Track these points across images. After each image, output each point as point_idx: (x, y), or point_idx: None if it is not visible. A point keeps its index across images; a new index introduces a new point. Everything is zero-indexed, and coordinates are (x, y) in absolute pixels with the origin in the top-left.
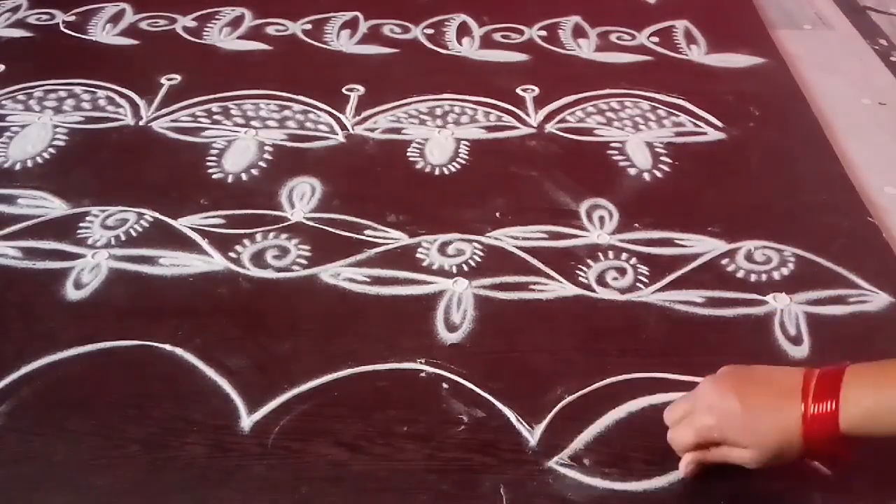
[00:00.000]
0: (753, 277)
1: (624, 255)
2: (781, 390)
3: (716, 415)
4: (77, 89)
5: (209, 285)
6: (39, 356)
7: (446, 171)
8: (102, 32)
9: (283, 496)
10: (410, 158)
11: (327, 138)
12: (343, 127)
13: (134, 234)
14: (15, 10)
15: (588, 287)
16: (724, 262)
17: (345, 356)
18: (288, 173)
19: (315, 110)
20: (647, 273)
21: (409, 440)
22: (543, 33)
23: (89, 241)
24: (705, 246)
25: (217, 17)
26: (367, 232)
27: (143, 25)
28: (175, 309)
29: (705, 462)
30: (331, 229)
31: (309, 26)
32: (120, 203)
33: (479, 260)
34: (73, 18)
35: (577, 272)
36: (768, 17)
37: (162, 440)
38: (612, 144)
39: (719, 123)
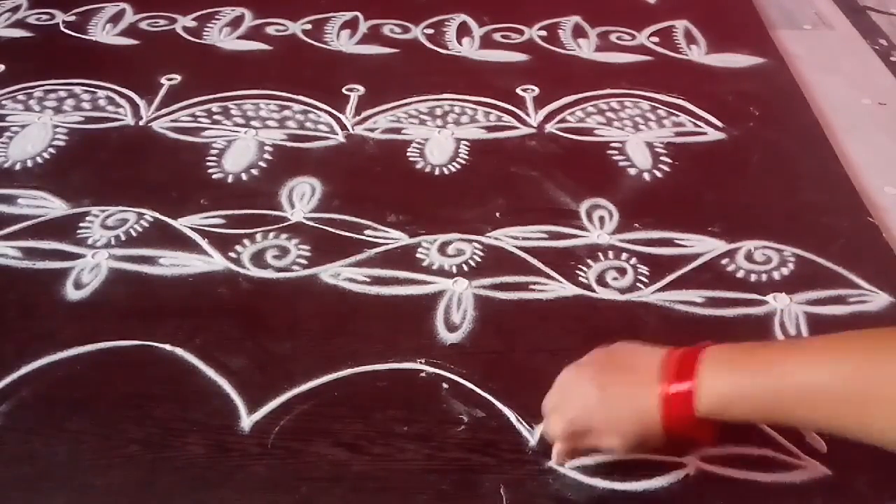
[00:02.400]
0: (753, 277)
1: (624, 255)
2: (640, 374)
3: (577, 405)
4: (77, 89)
5: (209, 285)
6: (39, 356)
7: (446, 171)
8: (102, 32)
9: (283, 496)
10: (410, 158)
11: (327, 138)
12: (343, 127)
13: (134, 234)
14: (15, 10)
15: (588, 287)
16: (724, 262)
17: (345, 356)
18: (288, 173)
19: (315, 110)
20: (647, 273)
21: (409, 440)
22: (543, 33)
23: (89, 241)
24: (705, 246)
25: (217, 17)
26: (367, 232)
27: (143, 25)
28: (175, 309)
29: (576, 453)
30: (331, 229)
31: (309, 26)
32: (120, 203)
33: (478, 260)
34: (73, 18)
35: (577, 272)
36: (768, 17)
37: (162, 440)
38: (612, 144)
39: (719, 123)
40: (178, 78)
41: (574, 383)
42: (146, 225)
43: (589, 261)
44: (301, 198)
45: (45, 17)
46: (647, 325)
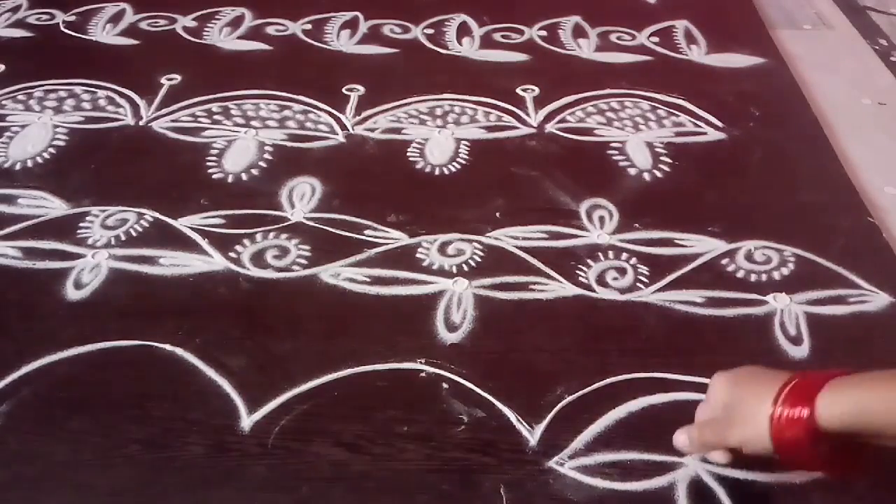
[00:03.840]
0: (753, 277)
1: (624, 255)
2: (770, 378)
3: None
4: (77, 89)
5: (209, 285)
6: (39, 356)
7: (446, 171)
8: (102, 32)
9: (283, 496)
10: (410, 158)
11: (327, 138)
12: (343, 127)
13: (134, 234)
14: (15, 10)
15: (588, 287)
16: (724, 262)
17: (345, 356)
18: (288, 173)
19: (315, 110)
20: (647, 273)
21: (409, 440)
22: (543, 33)
23: (89, 241)
24: (705, 246)
25: (217, 17)
26: (367, 232)
27: (143, 25)
28: (175, 309)
29: (708, 446)
30: (331, 229)
31: (309, 26)
32: (120, 203)
33: (479, 260)
34: (73, 18)
35: (577, 272)
36: (768, 17)
37: (162, 440)
38: (612, 144)
39: (719, 123)
40: (178, 78)
41: (715, 381)
42: (146, 225)
43: (589, 261)
44: (301, 198)
45: (45, 17)
46: (647, 325)
